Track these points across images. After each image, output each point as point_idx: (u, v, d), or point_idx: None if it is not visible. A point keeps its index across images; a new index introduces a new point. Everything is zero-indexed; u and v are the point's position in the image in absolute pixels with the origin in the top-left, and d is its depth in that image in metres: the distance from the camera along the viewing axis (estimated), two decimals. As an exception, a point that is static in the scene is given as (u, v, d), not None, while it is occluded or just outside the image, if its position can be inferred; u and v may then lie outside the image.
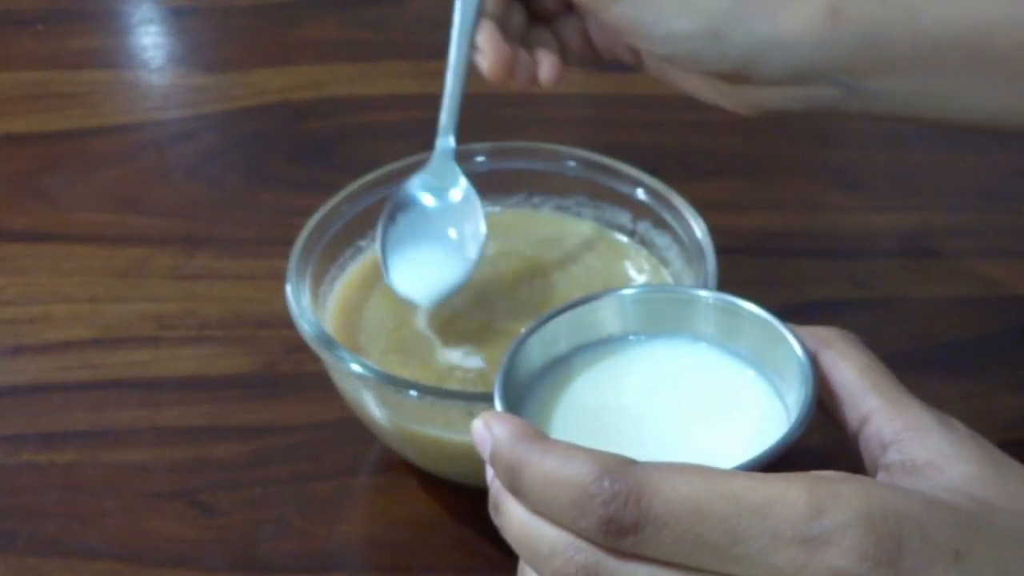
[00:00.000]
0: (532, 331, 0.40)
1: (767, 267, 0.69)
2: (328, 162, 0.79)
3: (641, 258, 0.61)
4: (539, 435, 0.35)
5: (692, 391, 0.40)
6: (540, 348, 0.40)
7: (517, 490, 0.34)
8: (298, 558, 0.54)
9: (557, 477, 0.33)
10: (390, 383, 0.50)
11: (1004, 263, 0.70)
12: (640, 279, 0.60)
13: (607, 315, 0.41)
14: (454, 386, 0.54)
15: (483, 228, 0.56)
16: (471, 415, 0.50)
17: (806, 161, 0.80)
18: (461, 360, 0.56)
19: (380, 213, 0.58)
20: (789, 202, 0.76)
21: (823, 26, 0.48)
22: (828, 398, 0.38)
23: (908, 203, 0.75)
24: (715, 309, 0.41)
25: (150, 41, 0.94)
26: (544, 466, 0.34)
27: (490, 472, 0.36)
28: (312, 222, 0.58)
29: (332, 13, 0.95)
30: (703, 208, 0.58)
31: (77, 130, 0.83)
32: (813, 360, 0.38)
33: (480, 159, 0.63)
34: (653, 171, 0.61)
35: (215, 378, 0.63)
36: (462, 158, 0.62)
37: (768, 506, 0.32)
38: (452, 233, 0.57)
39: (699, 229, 0.57)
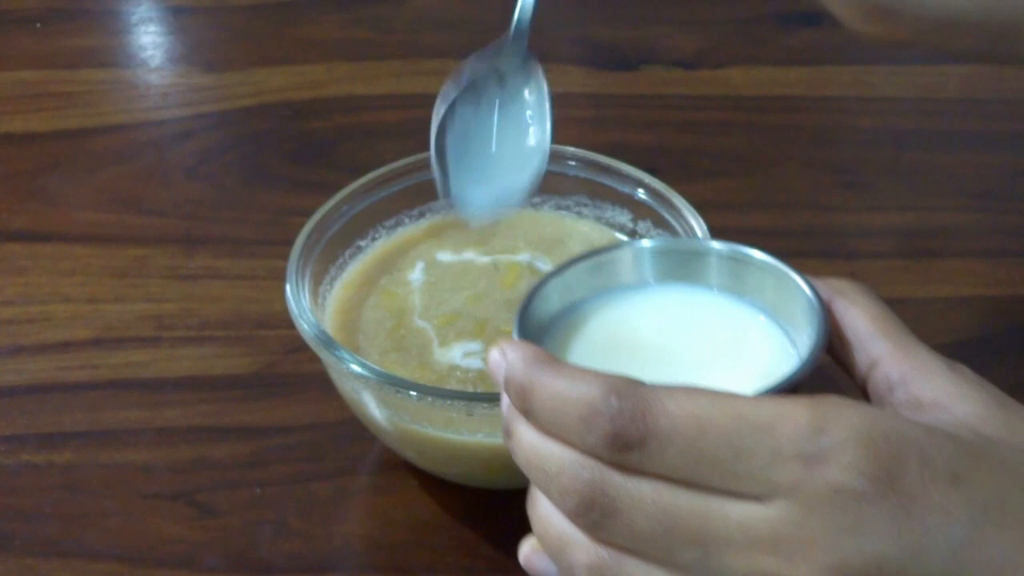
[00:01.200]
0: (552, 275, 0.41)
1: (767, 267, 0.69)
2: (328, 162, 0.79)
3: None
4: (551, 358, 0.36)
5: (705, 334, 0.41)
6: (559, 293, 0.41)
7: (528, 410, 0.35)
8: (297, 559, 0.54)
9: (566, 396, 0.34)
10: (390, 383, 0.50)
11: (1004, 263, 0.70)
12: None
13: (624, 264, 0.42)
14: (454, 386, 0.54)
15: (547, 137, 0.50)
16: (471, 415, 0.50)
17: (806, 161, 0.80)
18: (461, 360, 0.56)
19: (389, 211, 0.58)
20: (789, 202, 0.76)
21: None
22: (839, 344, 0.38)
23: (908, 203, 0.75)
24: (727, 259, 0.41)
25: (149, 40, 0.94)
26: (554, 386, 0.34)
27: (505, 400, 0.36)
28: (312, 222, 0.58)
29: (332, 13, 0.95)
30: (703, 208, 0.58)
31: (76, 130, 0.83)
32: (825, 306, 0.38)
33: (543, 172, 0.62)
34: (653, 171, 0.61)
35: (214, 378, 0.63)
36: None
37: (770, 423, 0.33)
38: (515, 139, 0.51)
39: (699, 229, 0.57)
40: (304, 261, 0.56)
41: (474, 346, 0.56)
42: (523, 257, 0.61)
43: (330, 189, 0.60)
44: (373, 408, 0.53)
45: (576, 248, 0.62)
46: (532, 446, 0.35)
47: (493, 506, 0.56)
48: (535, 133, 0.50)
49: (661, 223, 0.60)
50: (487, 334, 0.57)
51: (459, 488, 0.56)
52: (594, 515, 0.34)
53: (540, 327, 0.40)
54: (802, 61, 0.89)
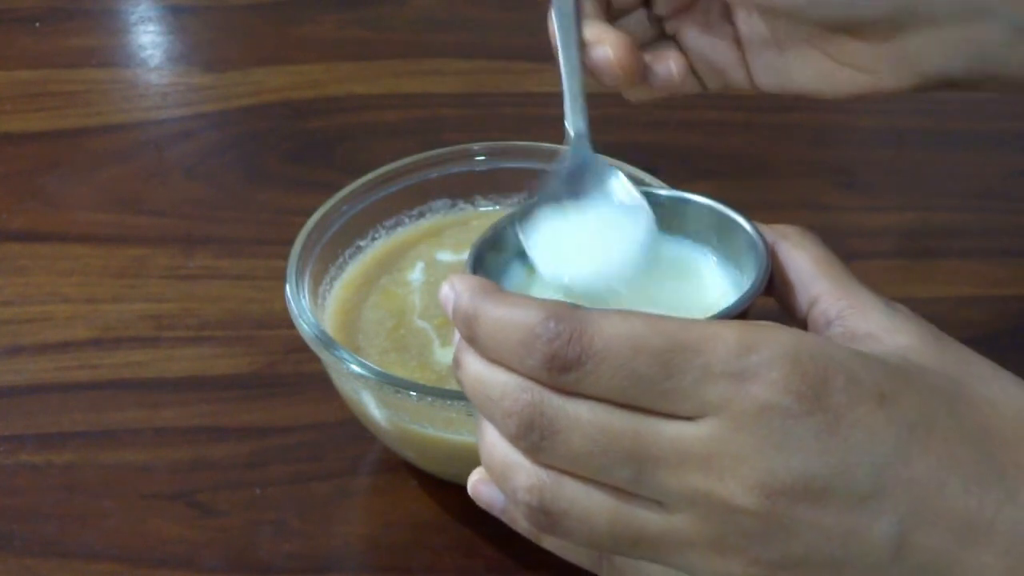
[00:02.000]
0: (511, 217, 0.43)
1: (767, 267, 0.69)
2: (328, 162, 0.79)
3: (641, 258, 0.61)
4: (495, 288, 0.36)
5: (656, 270, 0.42)
6: (511, 240, 0.43)
7: (472, 338, 0.36)
8: (297, 559, 0.54)
9: (507, 322, 0.35)
10: (390, 383, 0.50)
11: (1004, 263, 0.70)
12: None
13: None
14: (454, 386, 0.54)
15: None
16: (471, 415, 0.50)
17: (806, 161, 0.80)
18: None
19: (389, 211, 0.59)
20: (789, 202, 0.76)
21: None
22: (782, 285, 0.39)
23: (908, 203, 0.75)
24: (675, 204, 0.43)
25: (149, 40, 0.94)
26: (496, 312, 0.35)
27: (455, 334, 0.37)
28: (312, 222, 0.58)
29: (331, 12, 0.95)
30: (703, 208, 0.58)
31: (75, 129, 0.83)
32: (768, 247, 0.40)
33: (480, 159, 0.62)
34: (653, 171, 0.61)
35: (214, 378, 0.63)
36: (461, 158, 0.63)
37: (700, 343, 0.33)
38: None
39: (700, 229, 0.57)
40: (304, 261, 0.56)
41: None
42: (523, 257, 0.61)
43: (330, 189, 0.60)
44: (373, 408, 0.53)
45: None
46: (477, 373, 0.36)
47: (493, 506, 0.56)
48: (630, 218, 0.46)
49: (661, 223, 0.60)
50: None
51: (459, 488, 0.56)
52: (534, 436, 0.35)
53: (495, 267, 0.42)
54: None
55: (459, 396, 0.50)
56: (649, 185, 0.59)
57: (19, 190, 0.77)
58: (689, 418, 0.34)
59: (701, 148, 0.80)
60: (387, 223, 0.62)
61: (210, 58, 0.91)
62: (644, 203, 0.44)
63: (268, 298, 0.66)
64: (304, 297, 0.55)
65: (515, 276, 0.42)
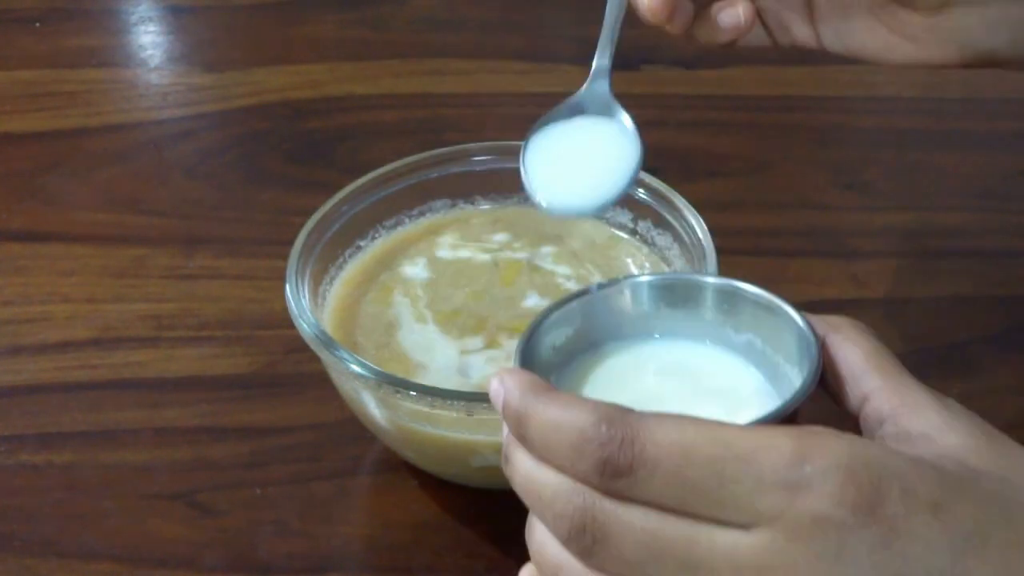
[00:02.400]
0: (555, 308, 0.42)
1: (767, 267, 0.69)
2: (328, 162, 0.79)
3: (642, 255, 0.61)
4: (546, 387, 0.36)
5: (698, 382, 0.42)
6: (560, 326, 0.42)
7: (523, 437, 0.36)
8: (297, 559, 0.54)
9: (559, 423, 0.35)
10: (390, 383, 0.50)
11: (1004, 263, 0.70)
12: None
13: (624, 299, 0.43)
14: (454, 386, 0.54)
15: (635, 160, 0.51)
16: (471, 415, 0.50)
17: (806, 161, 0.80)
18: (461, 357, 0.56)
19: (389, 211, 0.59)
20: (789, 202, 0.76)
21: None
22: (833, 379, 0.39)
23: (908, 203, 0.75)
24: (723, 293, 0.42)
25: (149, 40, 0.94)
26: (547, 413, 0.35)
27: (505, 428, 0.37)
28: (312, 222, 0.58)
29: (332, 12, 0.95)
30: (703, 208, 0.58)
31: (75, 129, 0.83)
32: (820, 342, 0.39)
33: (480, 159, 0.62)
34: (653, 171, 0.61)
35: (214, 378, 0.63)
36: (461, 158, 0.63)
37: (754, 452, 0.33)
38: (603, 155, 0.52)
39: (700, 229, 0.57)
40: (304, 261, 0.56)
41: (475, 343, 0.56)
42: (522, 255, 0.61)
43: (330, 189, 0.60)
44: (373, 408, 0.53)
45: (576, 245, 0.62)
46: (528, 473, 0.36)
47: (493, 506, 0.56)
48: (623, 154, 0.52)
49: (661, 223, 0.60)
50: (487, 331, 0.57)
51: (459, 489, 0.56)
52: (585, 540, 0.35)
53: (540, 358, 0.41)
54: (802, 61, 0.89)
55: (459, 396, 0.50)
56: (652, 184, 0.60)
57: (19, 190, 0.77)
58: (742, 527, 0.33)
59: (701, 148, 0.80)
60: (387, 223, 0.62)
61: (210, 58, 0.91)
62: (637, 139, 0.50)
63: (268, 298, 0.66)
64: (304, 297, 0.55)
65: (556, 368, 0.42)
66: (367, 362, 0.51)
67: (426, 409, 0.50)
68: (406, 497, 0.57)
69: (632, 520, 0.34)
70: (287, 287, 0.54)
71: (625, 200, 0.61)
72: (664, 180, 0.60)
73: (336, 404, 0.56)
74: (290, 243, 0.57)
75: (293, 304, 0.54)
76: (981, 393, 0.61)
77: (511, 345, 0.56)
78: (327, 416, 0.59)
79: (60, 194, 0.77)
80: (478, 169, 0.62)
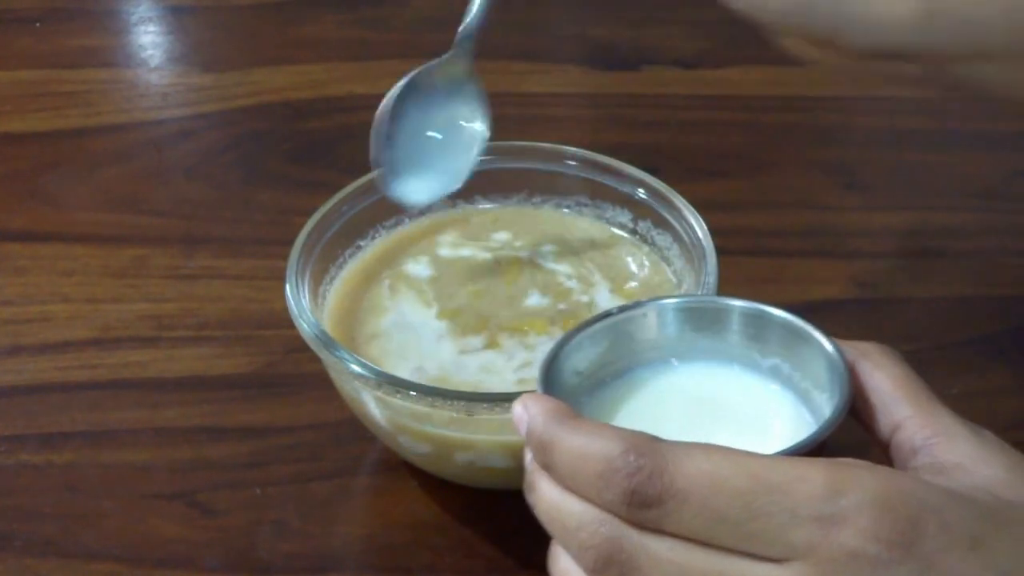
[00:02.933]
0: (577, 331, 0.42)
1: (767, 267, 0.69)
2: (328, 162, 0.79)
3: (642, 255, 0.61)
4: (571, 414, 0.36)
5: (725, 408, 0.42)
6: (583, 349, 0.42)
7: (548, 465, 0.35)
8: (297, 559, 0.54)
9: (585, 452, 0.34)
10: (390, 383, 0.50)
11: (1004, 263, 0.70)
12: (642, 275, 0.60)
13: (648, 321, 0.43)
14: (454, 385, 0.54)
15: (482, 128, 0.55)
16: (471, 415, 0.50)
17: (806, 161, 0.80)
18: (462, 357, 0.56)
19: (389, 211, 0.60)
20: (789, 202, 0.76)
21: (916, 15, 0.44)
22: (863, 407, 0.38)
23: (908, 203, 0.75)
24: (751, 317, 0.42)
25: (149, 40, 0.94)
26: (573, 442, 0.35)
27: (528, 454, 0.37)
28: (312, 222, 0.58)
29: (332, 12, 0.95)
30: (703, 208, 0.58)
31: (75, 129, 0.83)
32: (849, 368, 0.38)
33: (480, 159, 0.62)
34: (653, 171, 0.61)
35: (214, 378, 0.63)
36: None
37: (787, 484, 0.33)
38: (452, 131, 0.55)
39: (700, 229, 0.57)
40: (304, 261, 0.56)
41: (476, 342, 0.56)
42: (524, 254, 0.61)
43: (330, 189, 0.60)
44: (373, 408, 0.53)
45: (576, 244, 0.62)
46: (552, 501, 0.36)
47: (493, 506, 0.56)
48: (471, 126, 0.55)
49: (661, 223, 0.60)
50: (488, 330, 0.57)
51: (459, 489, 0.56)
52: (612, 572, 0.34)
53: (563, 383, 0.41)
54: (802, 61, 0.89)
55: (459, 396, 0.50)
56: (652, 184, 0.60)
57: (19, 190, 0.77)
58: (775, 561, 0.33)
59: (701, 148, 0.80)
60: (387, 223, 0.62)
61: (210, 58, 0.91)
62: (483, 123, 0.52)
63: (268, 298, 0.66)
64: (304, 297, 0.55)
65: (579, 393, 0.41)
66: (367, 362, 0.51)
67: (426, 409, 0.50)
68: (406, 497, 0.57)
69: (660, 552, 0.34)
70: (287, 287, 0.54)
71: (625, 200, 0.61)
72: (664, 180, 0.60)
73: (336, 404, 0.56)
74: (290, 243, 0.57)
75: (293, 304, 0.54)
76: (980, 393, 0.61)
77: (511, 345, 0.56)
78: (327, 416, 0.59)
79: (60, 194, 0.77)
80: (478, 169, 0.62)
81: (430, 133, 0.55)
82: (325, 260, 0.59)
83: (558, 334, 0.56)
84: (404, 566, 0.54)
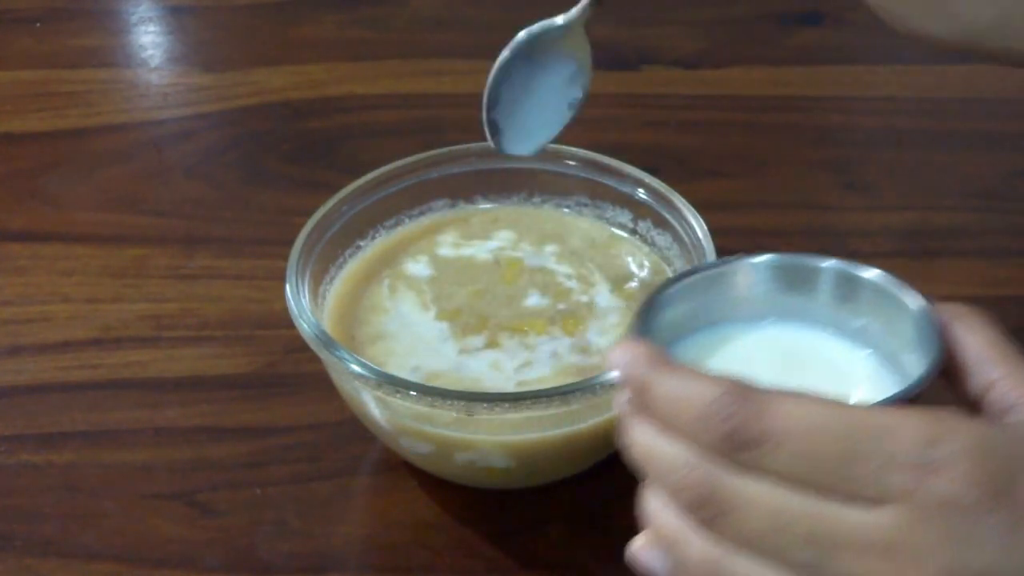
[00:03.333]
0: (671, 282, 0.42)
1: (767, 267, 0.69)
2: (328, 162, 0.79)
3: (642, 255, 0.61)
4: (667, 358, 0.36)
5: (815, 370, 0.42)
6: (675, 301, 0.42)
7: (645, 407, 0.36)
8: (297, 559, 0.54)
9: (683, 394, 0.35)
10: (390, 383, 0.50)
11: (1004, 263, 0.70)
12: (642, 275, 0.60)
13: (739, 278, 0.43)
14: (454, 385, 0.54)
15: (580, 91, 0.56)
16: (471, 415, 0.50)
17: (806, 161, 0.80)
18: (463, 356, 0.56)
19: (389, 211, 0.61)
20: (789, 202, 0.76)
21: None
22: (954, 367, 0.39)
23: (908, 203, 0.75)
24: (841, 277, 0.42)
25: (149, 40, 0.94)
26: (672, 384, 0.35)
27: (620, 398, 0.37)
28: (312, 222, 0.58)
29: (332, 12, 0.95)
30: (703, 208, 0.58)
31: (75, 129, 0.83)
32: (940, 329, 0.39)
33: (480, 159, 0.62)
34: (653, 171, 0.61)
35: (214, 378, 0.63)
36: (461, 158, 0.63)
37: (885, 430, 0.33)
38: (553, 88, 0.56)
39: (700, 229, 0.57)
40: (304, 261, 0.56)
41: (476, 342, 0.56)
42: (524, 253, 0.61)
43: (330, 189, 0.60)
44: (373, 408, 0.53)
45: (576, 244, 0.62)
46: (648, 442, 0.36)
47: (493, 506, 0.56)
48: (573, 86, 0.56)
49: (661, 223, 0.60)
50: (488, 330, 0.57)
51: (459, 489, 0.56)
52: (707, 512, 0.35)
53: (655, 333, 0.41)
54: (802, 61, 0.89)
55: (459, 396, 0.50)
56: (652, 184, 0.60)
57: (19, 190, 0.77)
58: (870, 503, 0.33)
59: (701, 148, 0.80)
60: (387, 223, 0.62)
61: (210, 58, 0.91)
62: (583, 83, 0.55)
63: (268, 298, 0.66)
64: (304, 297, 0.55)
65: (679, 349, 0.42)
66: (367, 362, 0.51)
67: (426, 409, 0.50)
68: (406, 497, 0.57)
69: (757, 492, 0.34)
70: (287, 287, 0.54)
71: (625, 200, 0.61)
72: (664, 180, 0.60)
73: (336, 404, 0.56)
74: (290, 243, 0.57)
75: (293, 304, 0.54)
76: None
77: (511, 345, 0.56)
78: (327, 416, 0.59)
79: (60, 194, 0.77)
80: (478, 169, 0.62)
81: (534, 90, 0.56)
82: (325, 260, 0.59)
83: (558, 334, 0.56)
84: (404, 566, 0.54)
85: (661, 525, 0.37)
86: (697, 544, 0.36)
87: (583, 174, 0.62)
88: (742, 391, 0.34)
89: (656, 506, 0.37)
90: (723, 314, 0.43)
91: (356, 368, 0.50)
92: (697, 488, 0.35)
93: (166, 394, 0.62)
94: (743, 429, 0.34)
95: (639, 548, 0.38)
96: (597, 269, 0.60)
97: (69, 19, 0.95)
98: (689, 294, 0.42)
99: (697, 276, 0.43)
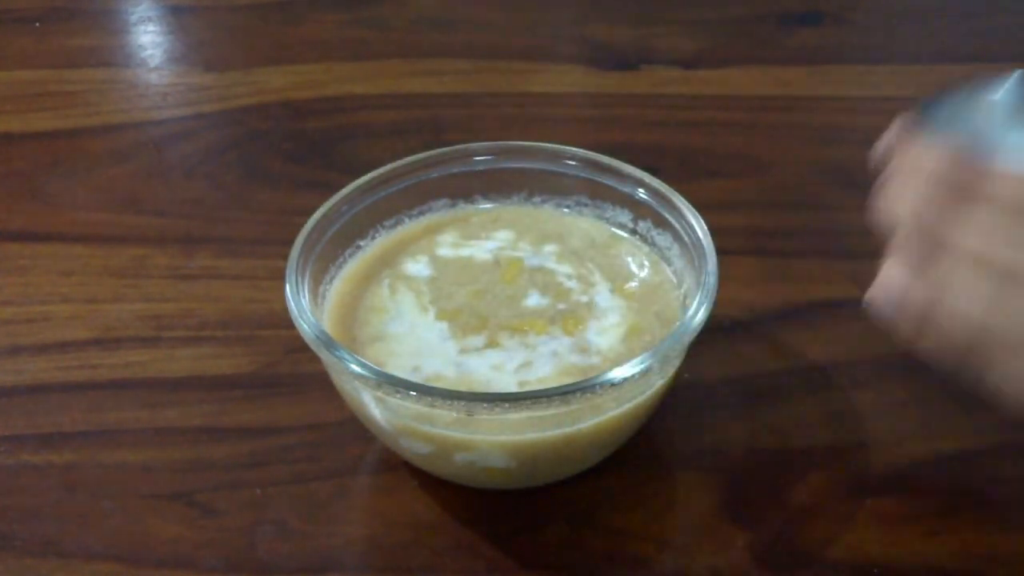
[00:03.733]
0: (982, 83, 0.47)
1: (767, 267, 0.69)
2: (328, 162, 0.79)
3: (642, 254, 0.61)
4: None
5: None
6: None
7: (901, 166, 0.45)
8: (297, 559, 0.54)
9: (922, 155, 0.44)
10: (390, 383, 0.50)
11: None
12: (642, 275, 0.60)
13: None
14: (455, 385, 0.54)
15: None
16: (471, 415, 0.50)
17: (806, 160, 0.80)
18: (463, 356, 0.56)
19: (389, 211, 0.61)
20: (789, 202, 0.76)
21: None
22: None
23: (908, 203, 0.75)
24: None
25: (148, 40, 0.94)
26: (914, 147, 0.45)
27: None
28: (312, 222, 0.58)
29: (332, 12, 0.95)
30: (703, 208, 0.58)
31: (75, 129, 0.83)
32: None
33: (480, 159, 0.62)
34: (653, 171, 0.61)
35: (214, 378, 0.63)
36: (461, 158, 0.63)
37: None
38: None
39: (700, 229, 0.57)
40: (304, 261, 0.56)
41: (476, 342, 0.56)
42: (524, 253, 0.61)
43: (330, 189, 0.60)
44: (373, 408, 0.53)
45: (576, 244, 0.62)
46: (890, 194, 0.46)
47: (493, 506, 0.56)
48: None
49: (661, 223, 0.60)
50: (488, 330, 0.57)
51: (459, 489, 0.56)
52: (954, 189, 0.42)
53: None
54: (802, 61, 0.89)
55: (459, 396, 0.50)
56: (652, 184, 0.60)
57: (19, 190, 0.77)
58: None
59: (701, 148, 0.80)
60: (387, 223, 0.62)
61: (210, 58, 0.91)
62: None
63: (268, 298, 0.66)
64: (304, 297, 0.55)
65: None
66: (367, 362, 0.51)
67: (426, 409, 0.50)
68: (406, 497, 0.57)
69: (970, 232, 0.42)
70: (287, 287, 0.54)
71: (625, 200, 0.61)
72: (664, 180, 0.60)
73: (336, 404, 0.56)
74: (290, 243, 0.57)
75: (293, 304, 0.54)
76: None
77: (511, 345, 0.56)
78: (327, 416, 0.59)
79: (60, 194, 0.77)
80: (478, 169, 0.62)
81: None
82: (325, 260, 0.59)
83: (558, 334, 0.56)
84: (404, 566, 0.54)
85: (907, 207, 0.45)
86: (918, 284, 0.44)
87: (583, 174, 0.62)
88: (967, 156, 0.42)
89: (900, 192, 0.45)
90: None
91: (356, 368, 0.50)
92: (946, 172, 0.43)
93: (166, 394, 0.62)
94: (966, 185, 0.42)
95: (872, 296, 0.47)
96: (597, 269, 0.60)
97: (69, 19, 0.95)
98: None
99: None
